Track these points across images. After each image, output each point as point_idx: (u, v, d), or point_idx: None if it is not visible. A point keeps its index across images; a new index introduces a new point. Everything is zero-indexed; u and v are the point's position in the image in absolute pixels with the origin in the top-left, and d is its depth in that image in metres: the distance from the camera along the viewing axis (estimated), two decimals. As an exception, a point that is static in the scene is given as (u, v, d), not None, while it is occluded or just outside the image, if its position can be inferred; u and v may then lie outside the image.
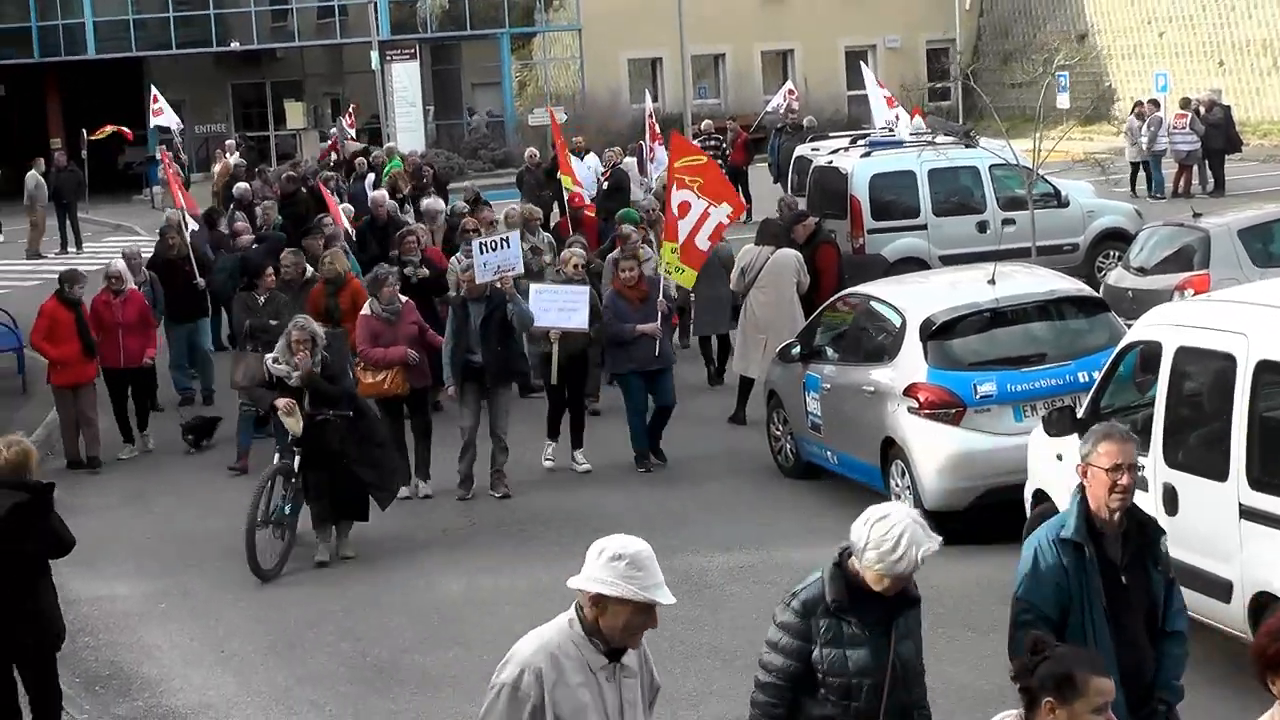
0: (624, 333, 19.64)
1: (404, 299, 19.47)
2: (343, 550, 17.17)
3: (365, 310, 19.22)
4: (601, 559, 6.99)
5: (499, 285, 18.89)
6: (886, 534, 7.92)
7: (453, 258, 23.44)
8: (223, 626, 15.41)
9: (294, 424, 16.67)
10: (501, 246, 19.32)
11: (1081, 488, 8.98)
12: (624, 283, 19.96)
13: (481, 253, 19.27)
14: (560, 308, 19.48)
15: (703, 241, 20.40)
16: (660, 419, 20.12)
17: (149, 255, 25.43)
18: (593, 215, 28.93)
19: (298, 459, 16.86)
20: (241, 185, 33.56)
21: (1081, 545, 8.85)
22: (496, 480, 19.19)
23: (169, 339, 24.76)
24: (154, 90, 48.22)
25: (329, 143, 47.92)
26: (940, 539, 8.06)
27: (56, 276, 22.38)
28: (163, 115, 46.87)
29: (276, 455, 17.54)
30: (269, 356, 17.18)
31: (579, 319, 19.44)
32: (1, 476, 11.71)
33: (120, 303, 21.91)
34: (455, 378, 18.95)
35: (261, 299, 21.38)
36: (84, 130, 51.68)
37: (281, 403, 16.78)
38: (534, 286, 19.97)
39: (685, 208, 20.22)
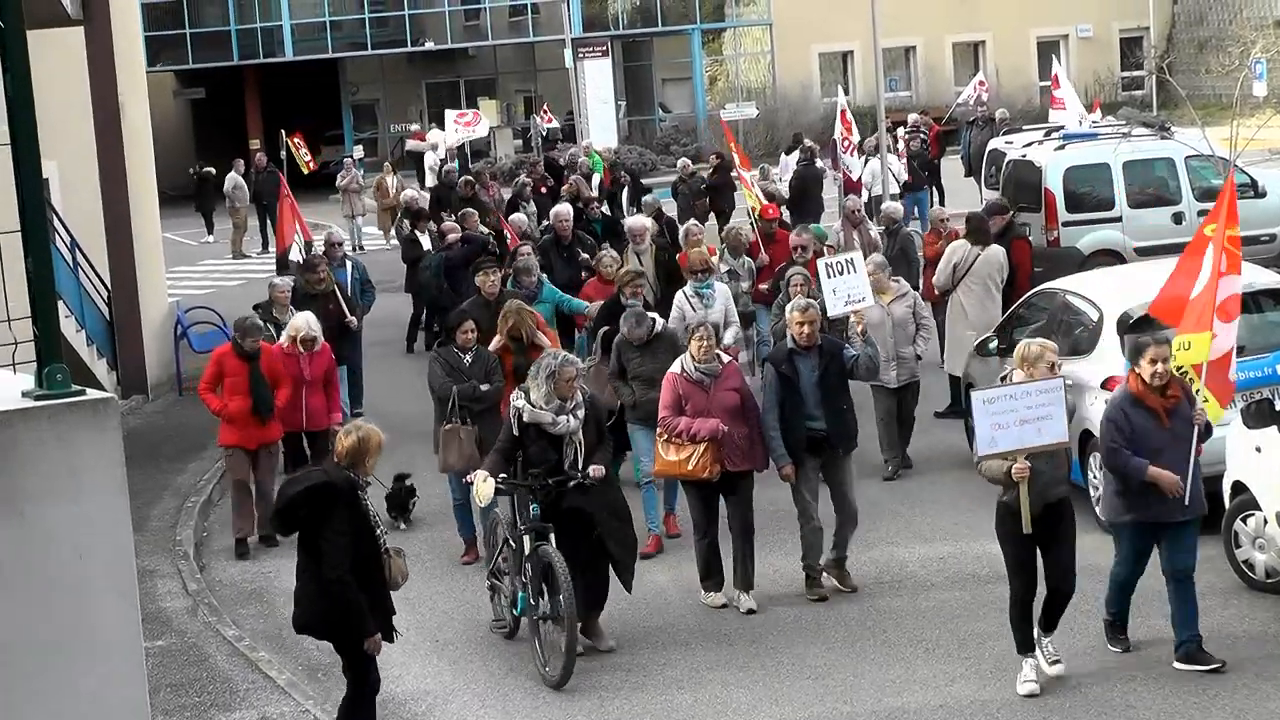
0: (1134, 470, 12.80)
1: (725, 359, 15.54)
2: (602, 643, 14.36)
3: (674, 368, 15.33)
4: None
5: (856, 327, 15.69)
6: None
7: (678, 296, 19.52)
8: (436, 616, 15.72)
9: (487, 490, 13.98)
10: (848, 270, 15.88)
11: None
12: (1150, 383, 12.87)
13: (829, 276, 15.83)
14: (1024, 418, 12.61)
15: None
16: (1181, 589, 13.13)
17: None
18: (786, 232, 23.42)
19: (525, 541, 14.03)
20: (408, 193, 33.55)
21: None
22: (838, 568, 15.63)
23: None
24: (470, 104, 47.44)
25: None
26: None
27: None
28: (470, 125, 45.37)
29: (504, 542, 14.61)
30: (521, 402, 14.11)
31: (1055, 430, 12.69)
32: (335, 462, 11.79)
33: (308, 357, 18.61)
34: (794, 453, 15.08)
35: (467, 358, 17.00)
36: (282, 131, 52.65)
37: (479, 475, 14.09)
38: (981, 394, 12.85)
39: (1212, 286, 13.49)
